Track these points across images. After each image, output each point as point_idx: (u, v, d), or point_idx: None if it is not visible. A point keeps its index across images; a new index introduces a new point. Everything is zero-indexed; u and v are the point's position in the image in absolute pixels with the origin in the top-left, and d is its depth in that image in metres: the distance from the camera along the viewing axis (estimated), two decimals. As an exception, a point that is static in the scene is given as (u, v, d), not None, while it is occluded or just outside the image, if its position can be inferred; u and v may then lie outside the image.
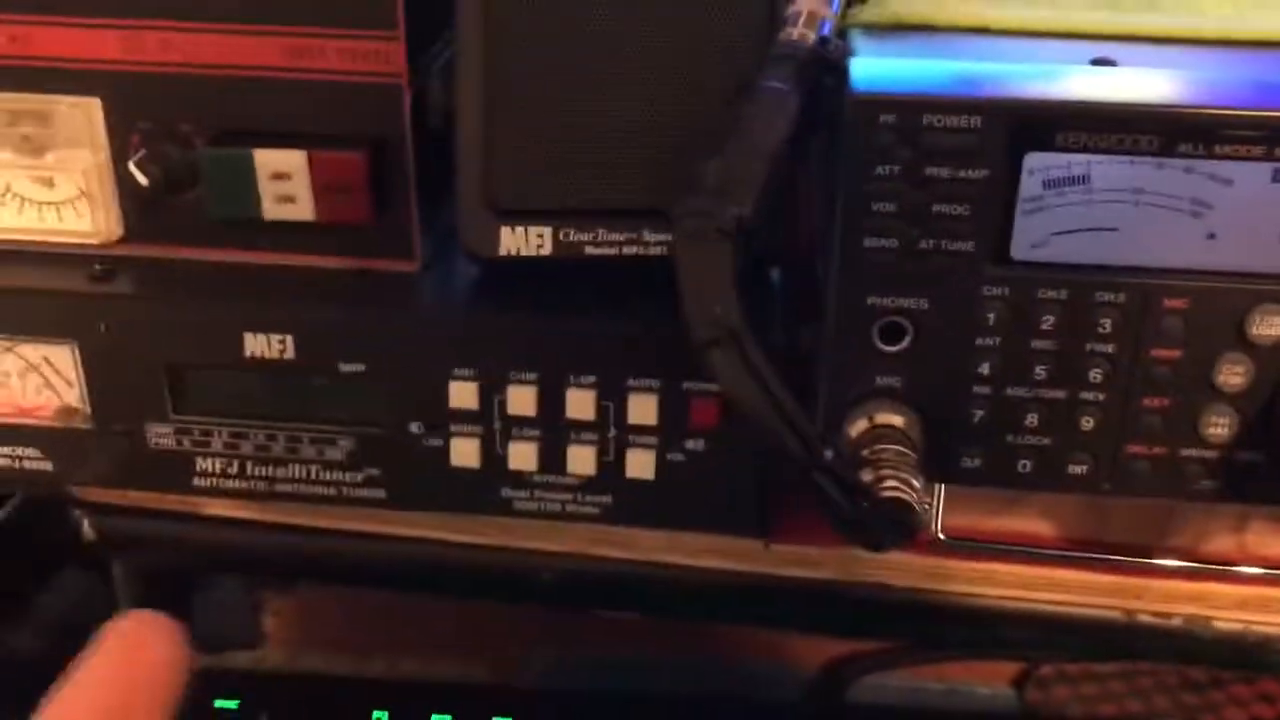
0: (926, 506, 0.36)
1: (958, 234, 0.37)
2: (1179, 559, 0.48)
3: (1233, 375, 0.38)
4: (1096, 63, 0.39)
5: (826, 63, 0.38)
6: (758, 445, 0.44)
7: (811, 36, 0.39)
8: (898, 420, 0.39)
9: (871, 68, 0.37)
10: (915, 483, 0.36)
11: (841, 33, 0.43)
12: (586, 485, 0.47)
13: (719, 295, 0.32)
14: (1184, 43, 0.42)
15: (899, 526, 0.35)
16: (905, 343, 0.39)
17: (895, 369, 0.39)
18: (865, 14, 0.44)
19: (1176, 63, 0.40)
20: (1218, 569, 0.48)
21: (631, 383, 0.45)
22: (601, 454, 0.46)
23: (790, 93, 0.37)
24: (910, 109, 0.36)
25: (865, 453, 0.37)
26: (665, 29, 0.42)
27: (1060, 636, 0.49)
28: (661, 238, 0.44)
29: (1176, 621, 0.48)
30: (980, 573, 0.48)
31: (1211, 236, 0.37)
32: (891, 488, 0.35)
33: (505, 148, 0.43)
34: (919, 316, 0.38)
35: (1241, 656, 0.48)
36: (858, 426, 0.39)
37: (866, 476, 0.36)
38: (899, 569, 0.48)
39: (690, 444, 0.46)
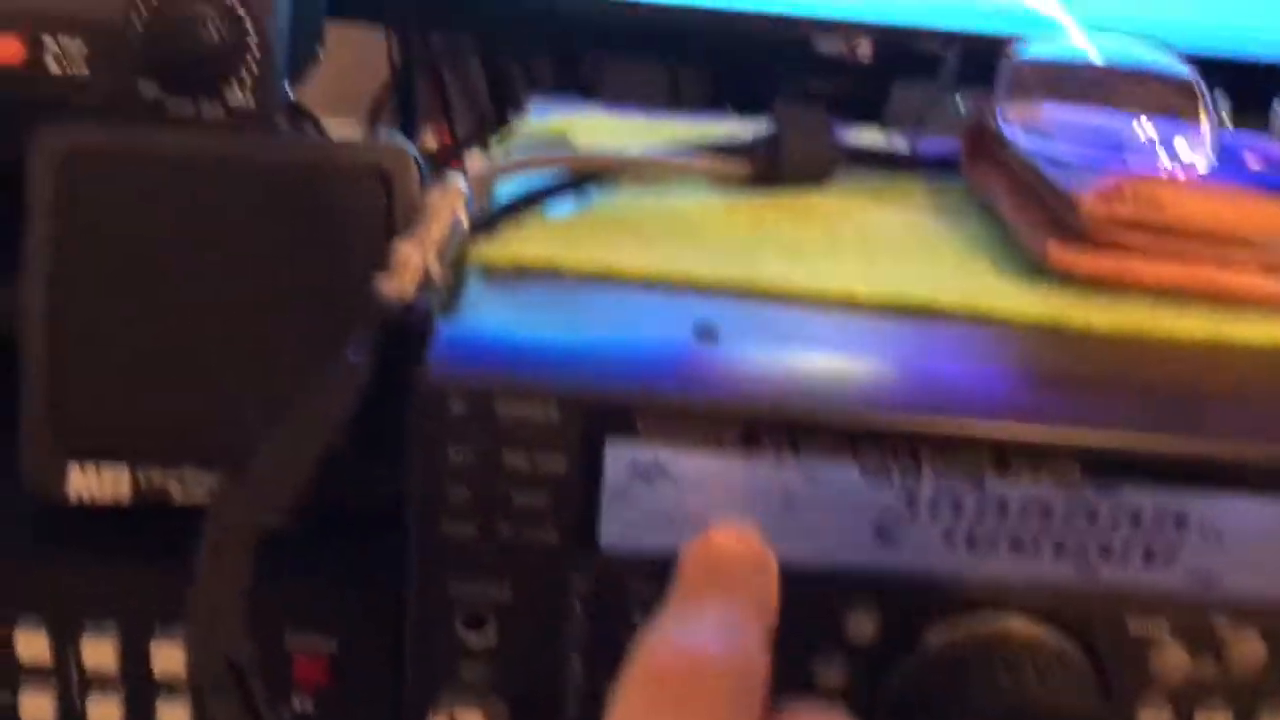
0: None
1: (539, 522, 0.34)
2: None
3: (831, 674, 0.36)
4: (700, 333, 0.37)
5: (408, 328, 0.35)
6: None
7: (400, 292, 0.36)
8: (478, 717, 0.35)
9: (451, 340, 0.34)
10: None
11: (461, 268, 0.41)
12: (185, 744, 0.42)
13: (224, 623, 0.28)
14: (808, 300, 0.41)
15: None
16: (490, 633, 0.36)
17: (480, 659, 0.36)
18: (487, 251, 0.41)
19: (787, 331, 0.39)
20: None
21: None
22: (197, 710, 0.41)
23: (362, 366, 0.34)
24: (483, 397, 0.33)
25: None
26: (262, 269, 0.39)
27: None
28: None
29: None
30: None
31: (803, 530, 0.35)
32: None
33: (77, 374, 0.39)
34: (503, 606, 0.35)
35: None
36: (438, 721, 0.36)
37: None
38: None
39: (297, 702, 0.42)
